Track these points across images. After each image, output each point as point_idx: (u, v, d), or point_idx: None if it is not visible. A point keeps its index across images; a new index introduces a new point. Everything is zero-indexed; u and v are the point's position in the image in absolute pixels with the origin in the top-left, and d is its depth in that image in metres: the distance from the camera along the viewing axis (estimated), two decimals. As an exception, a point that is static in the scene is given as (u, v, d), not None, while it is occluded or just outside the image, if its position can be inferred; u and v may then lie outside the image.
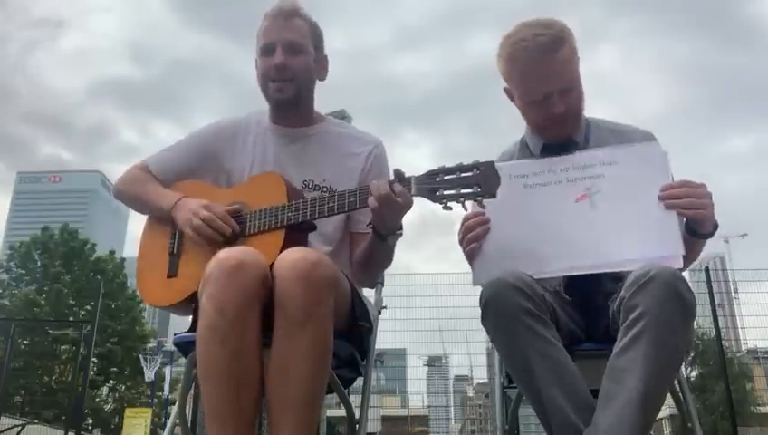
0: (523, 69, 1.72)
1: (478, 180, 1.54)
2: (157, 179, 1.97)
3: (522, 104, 1.81)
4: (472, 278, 1.71)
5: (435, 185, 1.58)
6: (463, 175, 1.56)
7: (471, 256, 1.72)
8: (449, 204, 1.56)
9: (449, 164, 1.59)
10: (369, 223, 1.75)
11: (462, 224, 1.73)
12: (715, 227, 1.64)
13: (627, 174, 1.68)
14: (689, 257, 1.65)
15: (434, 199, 1.57)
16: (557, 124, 1.76)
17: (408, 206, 1.63)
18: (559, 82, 1.70)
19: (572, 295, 1.73)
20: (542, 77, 1.69)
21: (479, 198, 1.55)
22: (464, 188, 1.55)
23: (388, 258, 1.88)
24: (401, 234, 1.74)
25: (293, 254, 1.53)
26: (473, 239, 1.70)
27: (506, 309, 1.48)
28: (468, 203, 1.57)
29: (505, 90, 1.85)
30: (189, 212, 1.77)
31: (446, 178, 1.57)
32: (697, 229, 1.64)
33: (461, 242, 1.74)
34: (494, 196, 1.55)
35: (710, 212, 1.61)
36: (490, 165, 1.55)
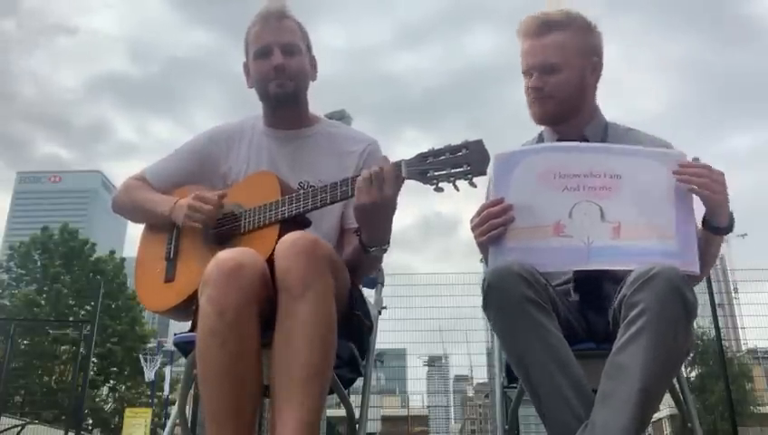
0: (521, 42, 1.88)
1: (468, 159, 1.56)
2: (154, 188, 2.00)
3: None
4: (489, 265, 1.62)
5: (425, 167, 1.59)
6: (452, 155, 1.57)
7: (488, 243, 1.62)
8: (440, 184, 1.57)
9: (438, 145, 1.60)
10: (356, 231, 1.73)
11: (481, 211, 1.64)
12: (731, 221, 1.60)
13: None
14: (707, 262, 1.63)
15: (425, 181, 1.58)
16: (538, 101, 1.84)
17: (394, 197, 1.61)
18: (541, 59, 1.81)
19: (572, 296, 1.72)
20: (530, 51, 1.85)
21: (469, 177, 1.56)
22: (454, 168, 1.56)
23: (371, 269, 1.89)
24: (386, 249, 1.72)
25: (293, 235, 1.56)
26: (495, 226, 1.60)
27: (510, 296, 1.47)
28: (460, 183, 1.56)
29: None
30: (184, 207, 1.80)
31: (436, 159, 1.58)
32: (713, 221, 1.60)
33: (476, 227, 1.64)
34: (483, 174, 1.56)
35: (725, 198, 1.58)
36: (479, 143, 1.56)
